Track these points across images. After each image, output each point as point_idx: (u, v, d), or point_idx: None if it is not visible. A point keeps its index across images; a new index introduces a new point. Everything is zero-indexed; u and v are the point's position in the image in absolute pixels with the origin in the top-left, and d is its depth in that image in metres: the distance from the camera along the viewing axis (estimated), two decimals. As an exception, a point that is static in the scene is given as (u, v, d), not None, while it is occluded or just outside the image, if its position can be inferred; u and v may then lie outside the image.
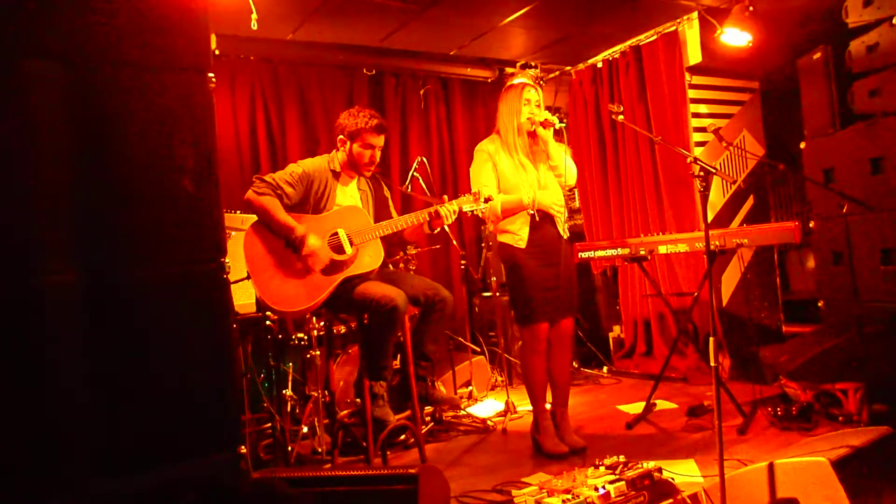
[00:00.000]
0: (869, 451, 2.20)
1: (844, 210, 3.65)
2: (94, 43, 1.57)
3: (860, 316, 3.52)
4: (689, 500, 2.36)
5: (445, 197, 3.21)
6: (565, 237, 3.33)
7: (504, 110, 3.31)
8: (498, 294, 4.89)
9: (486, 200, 3.19)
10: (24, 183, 1.47)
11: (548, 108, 3.39)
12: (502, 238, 3.31)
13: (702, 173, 2.45)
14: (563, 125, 3.22)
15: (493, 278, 4.85)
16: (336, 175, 3.24)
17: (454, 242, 4.65)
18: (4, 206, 1.45)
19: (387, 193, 3.49)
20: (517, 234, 3.24)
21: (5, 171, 1.45)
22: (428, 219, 3.14)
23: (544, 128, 3.22)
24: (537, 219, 3.24)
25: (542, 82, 5.78)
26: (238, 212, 3.79)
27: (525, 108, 3.25)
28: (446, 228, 3.33)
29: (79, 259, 1.52)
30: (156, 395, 1.61)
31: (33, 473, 1.43)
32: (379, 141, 3.24)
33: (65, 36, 1.53)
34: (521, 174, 3.25)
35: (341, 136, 3.22)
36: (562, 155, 3.30)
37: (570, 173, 3.31)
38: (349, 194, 3.28)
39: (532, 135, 3.28)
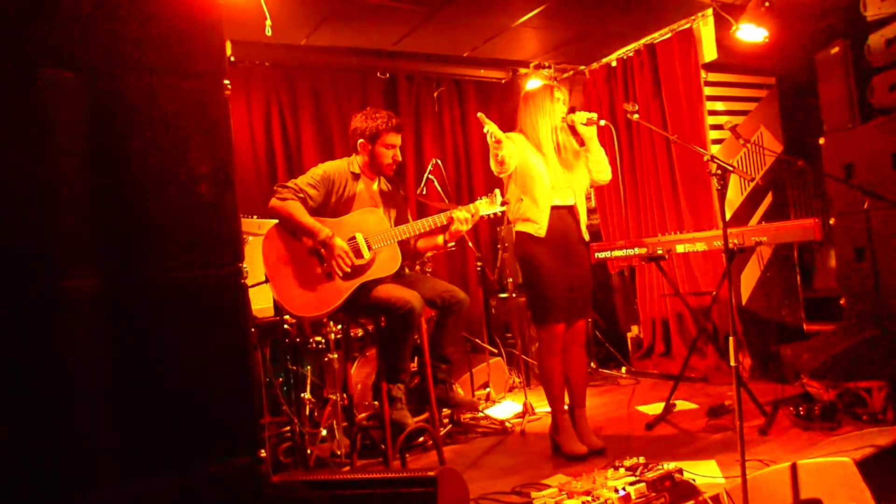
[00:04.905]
0: (895, 450, 2.17)
1: (865, 206, 3.60)
2: (110, 50, 1.59)
3: (883, 313, 3.47)
4: (710, 502, 2.34)
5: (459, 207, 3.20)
6: (587, 238, 3.32)
7: (533, 112, 3.24)
8: (514, 295, 4.88)
9: (503, 204, 3.17)
10: (44, 188, 1.49)
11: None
12: (520, 227, 3.23)
13: (719, 171, 2.43)
14: (604, 123, 3.20)
15: (510, 279, 4.83)
16: (356, 177, 3.26)
17: (470, 244, 4.65)
18: (25, 212, 1.47)
19: (403, 195, 3.51)
20: (537, 222, 3.16)
21: (25, 177, 1.47)
22: (443, 223, 3.14)
23: (587, 125, 3.20)
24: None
25: (556, 82, 5.76)
26: (255, 217, 3.82)
27: (558, 106, 3.24)
28: (464, 234, 3.29)
29: (98, 264, 1.54)
30: (175, 399, 1.62)
31: (53, 476, 1.45)
32: (398, 140, 3.27)
33: (81, 44, 1.55)
34: (544, 167, 3.20)
35: (361, 140, 3.24)
36: (602, 150, 3.31)
37: (608, 167, 3.33)
38: (369, 196, 3.29)
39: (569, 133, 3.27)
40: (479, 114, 2.96)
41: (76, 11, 1.55)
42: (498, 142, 2.93)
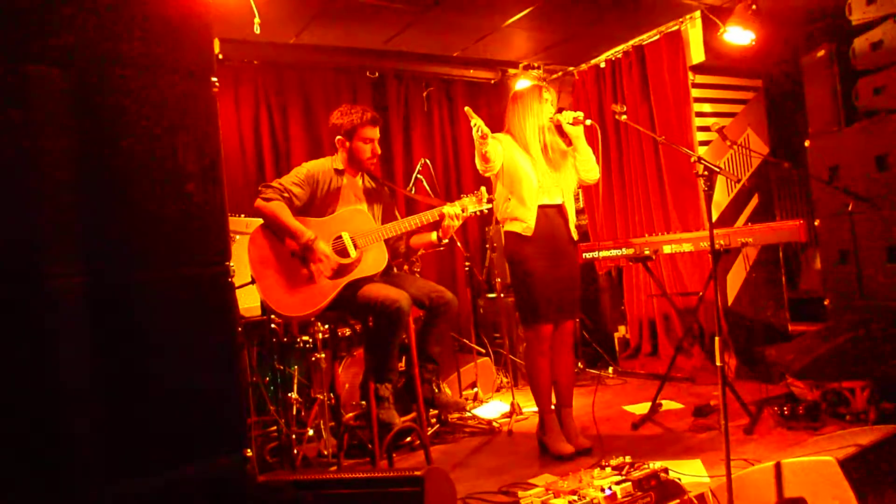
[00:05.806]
0: (877, 449, 2.19)
1: (850, 208, 3.63)
2: (98, 47, 1.58)
3: (867, 314, 3.51)
4: (695, 501, 2.35)
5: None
6: (576, 238, 3.33)
7: (521, 112, 3.27)
8: (502, 295, 4.88)
9: (489, 202, 3.17)
10: (30, 186, 1.48)
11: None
12: (509, 227, 3.25)
13: (706, 173, 2.44)
14: (590, 123, 3.21)
15: (498, 279, 4.84)
16: (340, 174, 3.25)
17: (458, 244, 4.65)
18: (11, 210, 1.45)
19: (389, 192, 3.49)
20: (524, 221, 3.18)
21: (11, 175, 1.46)
22: (430, 220, 3.13)
23: (574, 125, 3.21)
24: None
25: (545, 83, 5.78)
26: (243, 215, 3.80)
27: (546, 107, 3.25)
28: (452, 234, 3.29)
29: (84, 262, 1.53)
30: (161, 398, 1.61)
31: (39, 476, 1.44)
32: (376, 133, 3.26)
33: (68, 41, 1.54)
34: (531, 167, 3.22)
35: (339, 137, 3.24)
36: (590, 150, 3.32)
37: (596, 167, 3.34)
38: (354, 193, 3.28)
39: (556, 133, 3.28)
40: (466, 108, 2.96)
41: (63, 9, 1.53)
42: (483, 137, 2.94)
